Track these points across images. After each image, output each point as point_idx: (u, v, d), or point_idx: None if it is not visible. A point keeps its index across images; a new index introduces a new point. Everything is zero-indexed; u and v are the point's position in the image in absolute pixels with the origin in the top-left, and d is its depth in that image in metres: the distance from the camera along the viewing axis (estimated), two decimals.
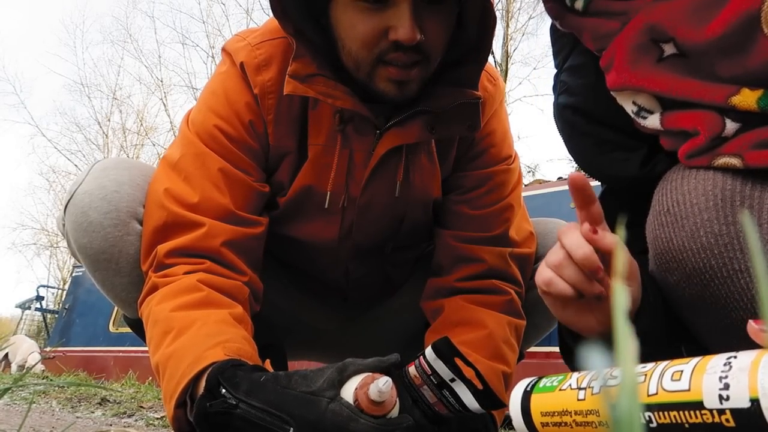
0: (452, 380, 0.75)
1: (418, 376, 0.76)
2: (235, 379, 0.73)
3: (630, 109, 0.76)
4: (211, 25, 19.15)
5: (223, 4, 22.29)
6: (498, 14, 0.88)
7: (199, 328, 0.82)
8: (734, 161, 0.67)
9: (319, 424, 0.67)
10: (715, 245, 0.65)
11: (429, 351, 0.75)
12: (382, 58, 0.87)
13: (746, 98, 0.65)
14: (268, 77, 0.96)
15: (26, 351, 6.06)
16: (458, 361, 0.75)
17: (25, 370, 5.49)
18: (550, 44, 0.95)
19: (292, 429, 0.68)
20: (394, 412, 0.70)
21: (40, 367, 5.75)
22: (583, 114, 0.87)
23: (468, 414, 0.76)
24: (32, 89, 38.31)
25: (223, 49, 1.03)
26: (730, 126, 0.67)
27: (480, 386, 0.75)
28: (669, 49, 0.71)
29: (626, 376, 0.15)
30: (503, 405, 0.77)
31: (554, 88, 0.93)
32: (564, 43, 0.90)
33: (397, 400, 0.70)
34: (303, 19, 0.92)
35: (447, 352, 0.74)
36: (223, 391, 0.73)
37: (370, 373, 0.70)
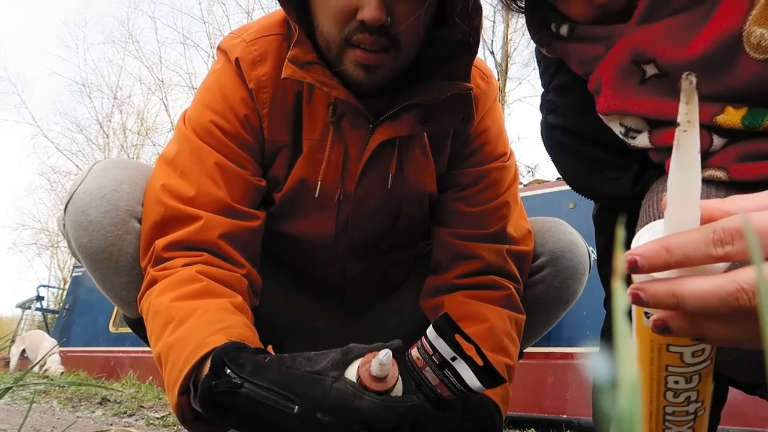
0: (453, 359, 0.75)
1: (420, 357, 0.77)
2: (240, 359, 0.73)
3: (618, 130, 0.76)
4: (212, 25, 19.15)
5: (224, 4, 22.32)
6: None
7: (200, 316, 0.82)
8: (719, 174, 0.67)
9: (324, 402, 0.67)
10: None
11: (430, 330, 0.76)
12: (349, 39, 0.88)
13: (731, 117, 0.65)
14: (262, 72, 0.97)
15: (47, 350, 6.01)
16: (459, 338, 0.75)
17: (43, 371, 5.47)
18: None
19: (296, 407, 0.68)
20: (398, 389, 0.71)
21: (60, 369, 5.71)
22: (572, 134, 0.88)
23: (470, 395, 0.76)
24: (34, 89, 38.40)
25: (219, 48, 1.04)
26: (717, 142, 0.68)
27: (480, 362, 0.75)
28: (650, 70, 0.71)
29: (626, 376, 0.15)
30: (503, 381, 0.78)
31: (541, 107, 0.93)
32: (549, 62, 0.90)
33: (399, 376, 0.71)
34: (294, 7, 0.93)
35: (447, 329, 0.75)
36: (228, 371, 0.73)
37: (372, 352, 0.70)
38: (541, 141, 0.94)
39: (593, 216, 0.97)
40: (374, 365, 0.68)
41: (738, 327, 0.39)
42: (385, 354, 0.68)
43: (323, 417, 0.67)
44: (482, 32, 0.95)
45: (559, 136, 0.89)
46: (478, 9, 0.89)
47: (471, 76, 0.98)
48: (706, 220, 0.40)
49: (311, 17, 0.93)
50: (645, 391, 0.46)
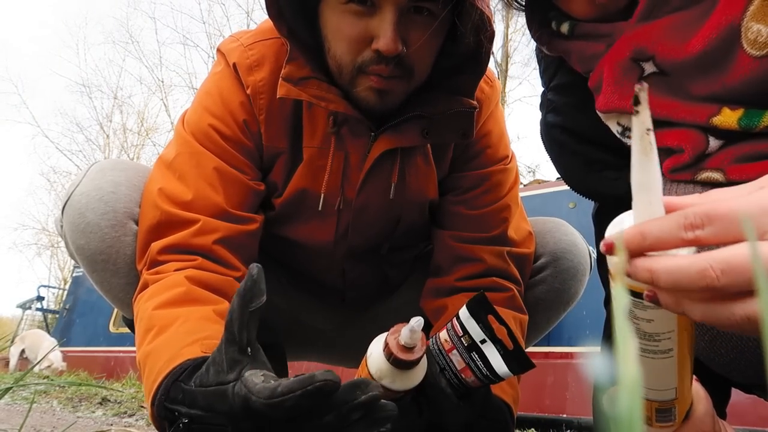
0: (483, 341, 0.74)
1: (448, 339, 0.76)
2: (178, 395, 0.71)
3: (615, 129, 0.76)
4: (212, 25, 19.18)
5: (224, 5, 22.33)
6: (498, 14, 0.88)
7: (180, 325, 0.81)
8: (716, 176, 0.67)
9: (235, 413, 0.65)
10: None
11: (463, 310, 0.75)
12: (363, 69, 0.87)
13: (727, 119, 0.65)
14: (259, 77, 0.97)
15: (47, 350, 6.01)
16: (491, 320, 0.74)
17: (47, 369, 5.48)
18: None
19: (227, 425, 0.66)
20: (422, 365, 0.70)
21: (62, 365, 5.73)
22: (571, 133, 0.88)
23: (495, 381, 0.76)
24: (34, 89, 38.36)
25: (218, 50, 1.04)
26: (714, 143, 0.67)
27: (510, 346, 0.75)
28: (649, 68, 0.71)
29: (626, 376, 0.15)
30: (532, 366, 0.77)
31: (541, 105, 0.93)
32: (550, 61, 0.90)
33: (425, 350, 0.71)
34: (297, 18, 0.91)
35: (481, 310, 0.74)
36: (176, 411, 0.71)
37: (402, 323, 0.70)
38: (541, 140, 0.94)
39: (593, 215, 0.97)
40: (404, 333, 0.68)
41: (712, 307, 0.41)
42: (417, 321, 0.67)
43: (246, 424, 0.65)
44: (492, 48, 0.94)
45: (558, 135, 0.89)
46: (489, 26, 0.88)
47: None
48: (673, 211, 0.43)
49: (318, 31, 0.92)
50: (687, 358, 0.48)
